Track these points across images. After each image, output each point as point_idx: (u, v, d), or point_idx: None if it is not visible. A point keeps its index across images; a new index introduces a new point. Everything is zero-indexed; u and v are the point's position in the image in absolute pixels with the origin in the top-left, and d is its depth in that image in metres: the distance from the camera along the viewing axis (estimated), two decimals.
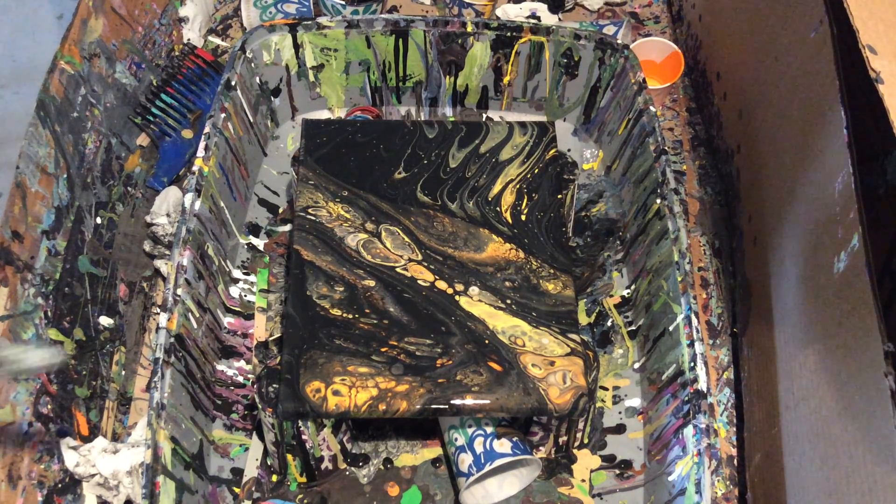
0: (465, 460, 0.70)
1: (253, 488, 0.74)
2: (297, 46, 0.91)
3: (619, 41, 0.89)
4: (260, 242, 0.89)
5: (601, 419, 0.79)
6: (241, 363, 0.81)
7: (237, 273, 0.86)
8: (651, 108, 0.83)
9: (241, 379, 0.80)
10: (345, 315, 0.68)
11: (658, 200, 0.79)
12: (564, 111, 0.98)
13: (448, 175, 0.78)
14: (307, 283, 0.70)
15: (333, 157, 0.79)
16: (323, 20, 0.90)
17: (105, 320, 0.79)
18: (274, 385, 0.67)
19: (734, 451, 0.78)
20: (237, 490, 0.74)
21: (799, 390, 0.63)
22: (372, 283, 0.70)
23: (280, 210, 0.92)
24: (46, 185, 0.72)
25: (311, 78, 0.95)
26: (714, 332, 0.85)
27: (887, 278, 0.67)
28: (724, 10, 0.93)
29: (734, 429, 0.79)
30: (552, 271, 0.72)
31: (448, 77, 0.95)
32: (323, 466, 0.73)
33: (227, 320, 0.83)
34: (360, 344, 0.66)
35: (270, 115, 0.95)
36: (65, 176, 0.76)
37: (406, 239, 0.73)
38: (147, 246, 0.88)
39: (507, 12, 1.06)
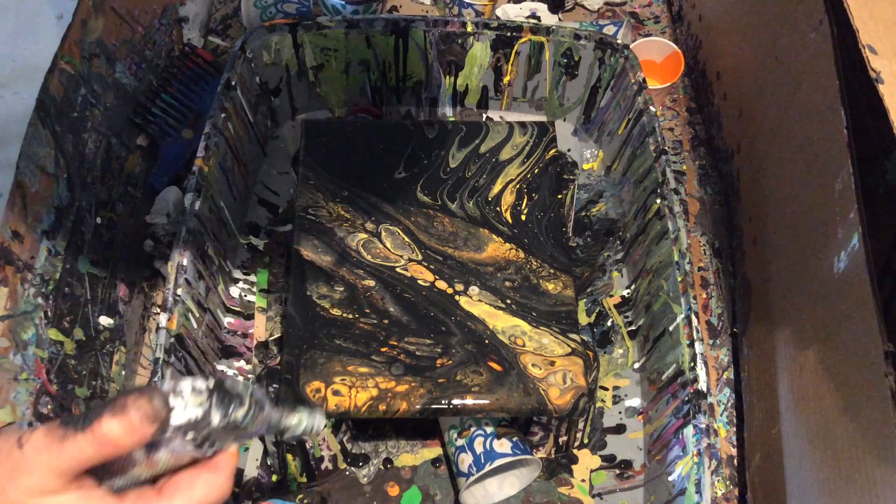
0: (465, 460, 0.70)
1: (253, 488, 0.74)
2: (297, 46, 0.91)
3: (619, 41, 0.89)
4: (260, 242, 0.89)
5: (601, 419, 0.79)
6: (241, 363, 0.81)
7: (237, 273, 0.86)
8: (651, 108, 0.83)
9: (240, 379, 0.80)
10: (345, 315, 0.68)
11: (658, 200, 0.79)
12: (564, 111, 0.98)
13: (448, 175, 0.78)
14: (307, 283, 0.70)
15: (333, 157, 0.79)
16: (323, 20, 0.90)
17: (105, 320, 0.79)
18: (274, 385, 0.67)
19: (734, 451, 0.78)
20: (237, 490, 0.74)
21: (799, 390, 0.63)
22: (372, 283, 0.70)
23: (280, 210, 0.92)
24: (46, 185, 0.72)
25: (311, 78, 0.95)
26: (714, 332, 0.85)
27: (887, 278, 0.67)
28: (724, 10, 0.93)
29: (734, 429, 0.79)
30: (552, 271, 0.72)
31: (448, 77, 0.95)
32: (323, 466, 0.73)
33: (227, 320, 0.83)
34: (360, 344, 0.66)
35: (270, 115, 0.95)
36: (65, 176, 0.75)
37: (406, 239, 0.73)
38: (147, 246, 0.88)
39: (507, 12, 1.06)
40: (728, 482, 0.76)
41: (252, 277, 0.87)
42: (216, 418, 0.40)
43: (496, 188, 0.77)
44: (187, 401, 0.40)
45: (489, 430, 0.71)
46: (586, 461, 0.77)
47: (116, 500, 0.40)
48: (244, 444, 0.43)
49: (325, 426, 0.47)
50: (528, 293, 0.70)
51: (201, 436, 0.41)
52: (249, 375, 0.80)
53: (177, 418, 0.39)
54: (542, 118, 0.99)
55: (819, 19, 0.64)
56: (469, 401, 0.64)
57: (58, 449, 0.38)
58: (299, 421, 0.45)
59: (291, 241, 0.73)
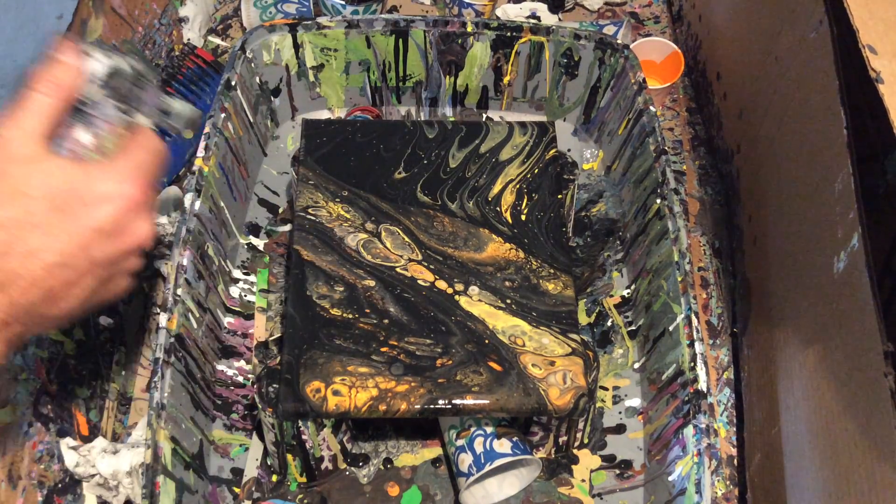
0: (465, 460, 0.70)
1: (253, 488, 0.74)
2: (297, 46, 0.91)
3: (619, 41, 0.89)
4: (260, 242, 0.89)
5: (601, 419, 0.79)
6: (241, 363, 0.81)
7: (237, 273, 0.86)
8: (651, 108, 0.83)
9: (241, 379, 0.80)
10: (345, 315, 0.68)
11: (658, 200, 0.79)
12: (564, 111, 0.98)
13: (448, 175, 0.78)
14: (307, 283, 0.70)
15: (333, 157, 0.79)
16: (323, 20, 0.90)
17: (105, 320, 0.79)
18: (274, 385, 0.67)
19: (734, 451, 0.78)
20: (237, 490, 0.74)
21: (799, 390, 0.63)
22: (372, 283, 0.70)
23: (280, 210, 0.92)
24: None
25: (311, 78, 0.95)
26: (714, 332, 0.85)
27: (887, 278, 0.67)
28: (724, 10, 0.93)
29: (734, 429, 0.79)
30: (552, 271, 0.72)
31: (448, 77, 0.95)
32: (323, 466, 0.73)
33: (227, 320, 0.83)
34: (360, 344, 0.66)
35: (270, 115, 0.96)
36: None
37: (406, 239, 0.73)
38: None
39: (507, 12, 1.06)
40: (728, 482, 0.76)
41: (252, 277, 0.87)
42: (126, 67, 0.51)
43: (496, 188, 0.77)
44: (96, 56, 0.50)
45: (489, 430, 0.71)
46: (586, 461, 0.77)
47: (84, 164, 0.49)
48: (155, 122, 0.55)
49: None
50: (528, 293, 0.70)
51: (122, 94, 0.51)
52: (249, 375, 0.80)
53: (98, 69, 0.50)
54: (542, 118, 0.99)
55: (819, 19, 0.64)
56: (469, 401, 0.64)
57: (21, 113, 0.47)
58: (181, 105, 0.56)
59: (291, 241, 0.73)
